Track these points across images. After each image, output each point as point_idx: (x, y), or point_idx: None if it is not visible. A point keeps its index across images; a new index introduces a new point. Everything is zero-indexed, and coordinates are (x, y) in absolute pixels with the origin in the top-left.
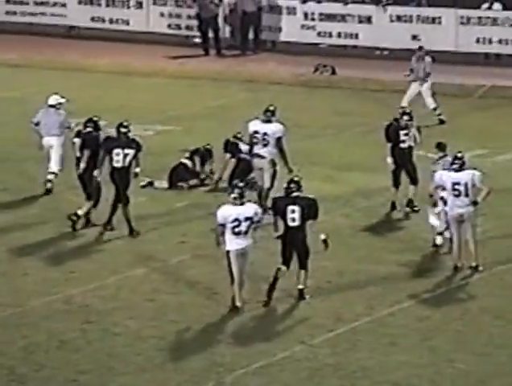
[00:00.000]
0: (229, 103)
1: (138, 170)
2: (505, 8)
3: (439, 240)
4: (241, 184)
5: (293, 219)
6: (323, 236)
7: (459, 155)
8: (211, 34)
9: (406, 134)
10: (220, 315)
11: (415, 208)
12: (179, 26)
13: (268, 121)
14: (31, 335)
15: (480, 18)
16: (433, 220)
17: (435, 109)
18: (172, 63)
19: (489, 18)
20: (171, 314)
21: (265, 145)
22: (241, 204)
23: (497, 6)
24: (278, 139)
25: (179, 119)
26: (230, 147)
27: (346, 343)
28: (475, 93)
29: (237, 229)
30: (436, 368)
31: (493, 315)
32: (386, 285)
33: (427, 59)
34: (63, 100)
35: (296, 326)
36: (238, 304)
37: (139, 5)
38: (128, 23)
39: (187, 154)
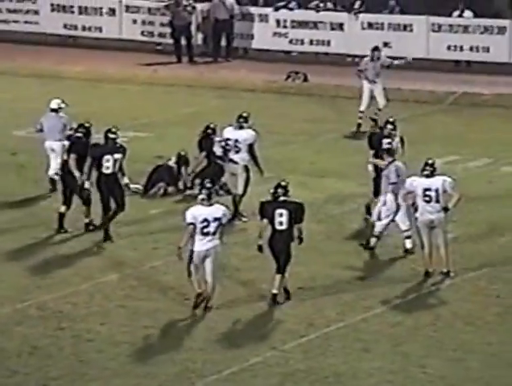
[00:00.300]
0: (202, 110)
1: (126, 180)
2: (475, 16)
3: (408, 244)
4: (209, 185)
5: (281, 223)
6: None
7: (430, 161)
8: (183, 42)
9: (389, 143)
10: (192, 321)
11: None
12: (151, 34)
13: (241, 128)
14: (4, 341)
15: (451, 25)
16: (401, 224)
17: (379, 110)
18: (145, 70)
19: (460, 25)
20: (143, 320)
21: (237, 152)
22: (210, 205)
23: (467, 13)
24: (250, 146)
25: (151, 126)
26: (205, 144)
27: (318, 349)
28: (446, 100)
29: (205, 230)
30: (408, 374)
31: (465, 321)
32: (358, 290)
33: (383, 59)
34: (63, 105)
35: (268, 332)
36: (198, 290)
37: (112, 12)
38: (101, 30)
39: (173, 159)
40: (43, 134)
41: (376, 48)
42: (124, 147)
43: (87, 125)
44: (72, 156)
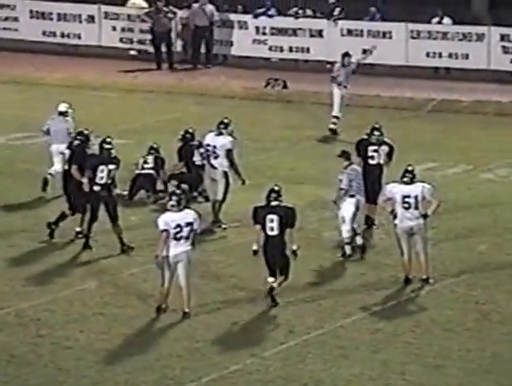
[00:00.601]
0: (181, 116)
1: (118, 191)
2: (454, 22)
3: (348, 249)
4: (178, 191)
5: (272, 229)
6: (294, 247)
7: (409, 168)
8: (164, 49)
9: (376, 151)
10: (171, 328)
11: (374, 224)
12: (131, 41)
13: (221, 134)
14: None
15: (430, 32)
16: (345, 229)
17: (337, 118)
18: (124, 76)
19: (438, 32)
20: (121, 328)
21: (216, 158)
22: (180, 211)
23: (446, 20)
24: (228, 151)
25: (131, 132)
26: (184, 153)
27: (298, 356)
28: (425, 107)
29: (179, 235)
30: (388, 380)
31: (444, 327)
32: (337, 297)
33: (353, 65)
34: (70, 110)
35: (248, 339)
36: (163, 305)
37: (91, 19)
38: (80, 37)
39: (150, 161)
40: (49, 138)
41: (346, 54)
42: (118, 158)
43: (86, 132)
44: (74, 166)
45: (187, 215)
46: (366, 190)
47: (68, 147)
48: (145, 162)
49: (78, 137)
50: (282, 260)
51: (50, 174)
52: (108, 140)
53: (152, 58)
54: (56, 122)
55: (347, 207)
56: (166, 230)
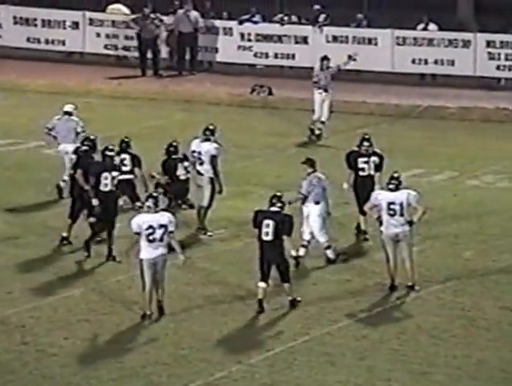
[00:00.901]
0: (167, 123)
1: (122, 202)
2: (440, 29)
3: (330, 254)
4: (155, 194)
5: (266, 234)
6: (294, 253)
7: (395, 175)
8: (150, 55)
9: (366, 162)
10: (157, 335)
11: (366, 236)
12: (115, 47)
13: (206, 140)
14: None
15: (415, 38)
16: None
17: (323, 123)
18: (109, 83)
19: (424, 38)
20: (107, 334)
21: (201, 164)
22: (156, 212)
23: (432, 26)
24: (212, 157)
25: (116, 139)
26: (168, 166)
27: (284, 363)
28: (411, 113)
29: (151, 237)
30: None
31: (430, 334)
32: (323, 304)
33: (332, 69)
34: (75, 111)
35: (234, 346)
36: (148, 312)
37: (75, 25)
38: (64, 44)
39: (128, 163)
40: (52, 134)
41: (325, 57)
42: (120, 166)
43: (92, 137)
44: (79, 171)
45: (162, 217)
46: (359, 202)
47: (75, 152)
48: (123, 164)
49: (85, 143)
50: (281, 264)
51: (63, 180)
52: (110, 147)
53: (137, 64)
54: (63, 122)
55: (314, 218)
56: (138, 233)
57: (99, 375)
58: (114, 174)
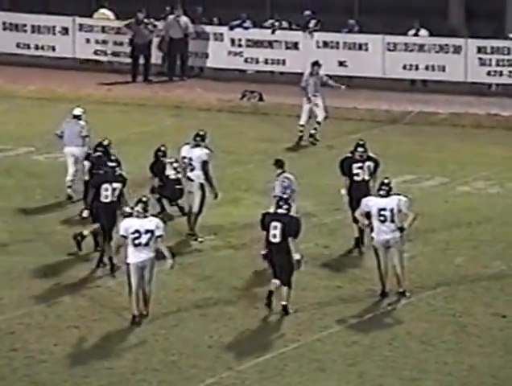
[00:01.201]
0: (157, 129)
1: (128, 209)
2: (431, 34)
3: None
4: (144, 199)
5: (274, 236)
6: (297, 256)
7: (386, 181)
8: (141, 61)
9: (360, 168)
10: (146, 342)
11: (362, 252)
12: (105, 53)
13: (197, 146)
14: None
15: (406, 44)
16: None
17: (318, 123)
18: (99, 89)
19: (415, 44)
20: (96, 341)
21: (192, 170)
22: (144, 217)
23: (423, 32)
24: (204, 163)
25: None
26: (156, 168)
27: (274, 369)
28: (402, 119)
29: (137, 241)
30: None
31: (421, 340)
32: (314, 310)
33: (321, 74)
34: (84, 115)
35: (224, 352)
36: (136, 313)
37: (65, 31)
38: (54, 49)
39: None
40: (63, 141)
41: (316, 63)
42: (123, 176)
43: (105, 143)
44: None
45: (149, 223)
46: (353, 208)
47: (87, 158)
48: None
49: (98, 149)
50: (285, 266)
51: (69, 186)
52: (112, 158)
53: (127, 70)
54: (70, 125)
55: None
56: (125, 236)
57: (89, 381)
58: (115, 185)
